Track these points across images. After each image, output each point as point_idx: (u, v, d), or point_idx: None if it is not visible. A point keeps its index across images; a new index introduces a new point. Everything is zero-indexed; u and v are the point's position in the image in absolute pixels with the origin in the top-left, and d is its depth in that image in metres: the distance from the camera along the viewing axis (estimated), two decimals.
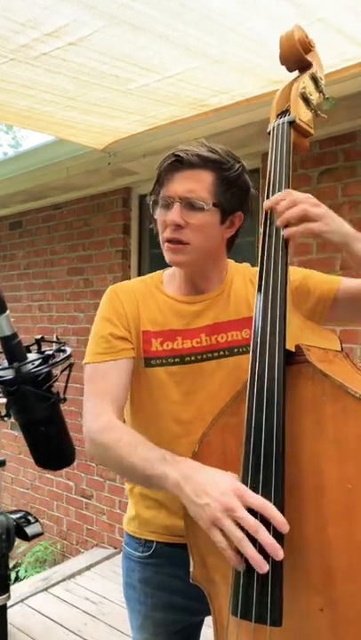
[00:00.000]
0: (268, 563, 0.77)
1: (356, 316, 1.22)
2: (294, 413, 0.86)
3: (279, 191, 0.99)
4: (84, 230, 4.02)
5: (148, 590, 1.26)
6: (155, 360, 1.17)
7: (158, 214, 1.15)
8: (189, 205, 1.09)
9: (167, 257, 1.15)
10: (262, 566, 0.76)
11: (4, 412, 0.92)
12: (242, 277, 1.23)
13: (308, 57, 1.12)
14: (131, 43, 1.85)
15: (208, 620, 1.08)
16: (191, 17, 1.69)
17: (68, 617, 2.91)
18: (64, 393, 0.96)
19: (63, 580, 3.31)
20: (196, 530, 0.92)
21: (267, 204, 0.98)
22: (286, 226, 0.94)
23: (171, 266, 1.21)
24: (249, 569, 0.79)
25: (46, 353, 0.93)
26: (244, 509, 0.78)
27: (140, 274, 3.74)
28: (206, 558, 0.99)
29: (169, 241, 1.12)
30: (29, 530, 0.87)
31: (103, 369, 1.14)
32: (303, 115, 1.07)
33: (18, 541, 0.89)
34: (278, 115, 1.09)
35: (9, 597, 0.87)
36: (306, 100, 1.08)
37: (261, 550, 0.77)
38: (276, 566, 0.79)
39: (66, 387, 0.96)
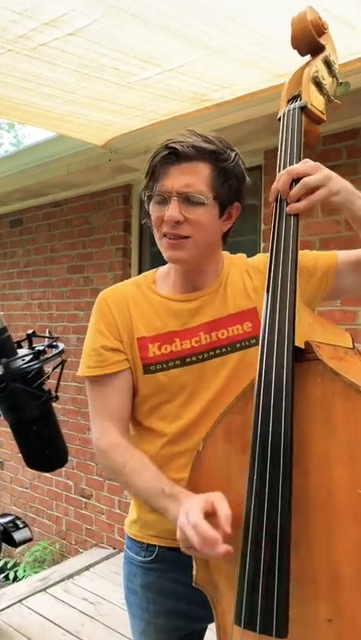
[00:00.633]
0: (275, 566, 0.76)
1: (358, 287, 1.19)
2: (303, 412, 0.83)
3: None
4: (85, 228, 3.99)
5: (150, 596, 1.22)
6: (154, 366, 1.13)
7: (153, 210, 1.09)
8: (188, 200, 1.05)
9: (166, 254, 1.10)
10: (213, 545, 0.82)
11: None
12: (238, 269, 1.19)
13: (322, 40, 1.07)
14: (130, 33, 1.81)
15: (212, 626, 1.05)
16: (191, 6, 1.65)
17: (66, 617, 2.88)
18: (56, 390, 0.92)
19: (62, 580, 3.28)
20: None
21: (270, 198, 0.96)
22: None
23: (166, 263, 1.17)
24: (254, 577, 0.76)
25: (37, 348, 0.89)
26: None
27: (140, 272, 3.69)
28: (209, 560, 0.97)
29: (167, 236, 1.08)
30: (17, 535, 0.84)
31: (101, 386, 1.14)
32: (315, 100, 1.03)
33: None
34: (289, 100, 1.05)
35: None
36: (318, 84, 1.04)
37: (269, 555, 0.75)
38: (282, 573, 0.76)
39: (58, 384, 0.92)
